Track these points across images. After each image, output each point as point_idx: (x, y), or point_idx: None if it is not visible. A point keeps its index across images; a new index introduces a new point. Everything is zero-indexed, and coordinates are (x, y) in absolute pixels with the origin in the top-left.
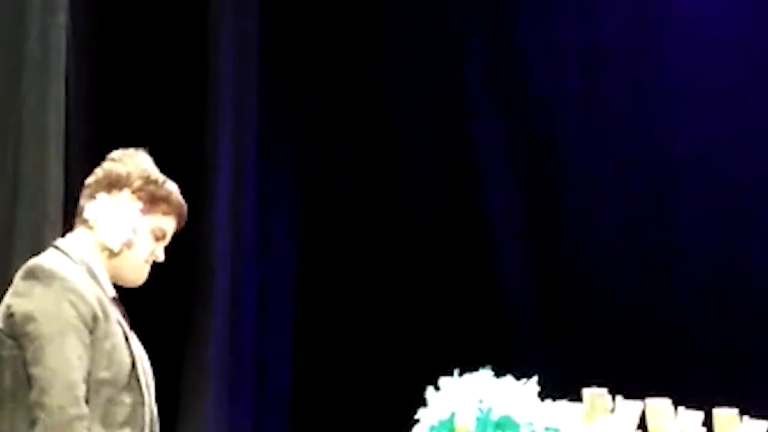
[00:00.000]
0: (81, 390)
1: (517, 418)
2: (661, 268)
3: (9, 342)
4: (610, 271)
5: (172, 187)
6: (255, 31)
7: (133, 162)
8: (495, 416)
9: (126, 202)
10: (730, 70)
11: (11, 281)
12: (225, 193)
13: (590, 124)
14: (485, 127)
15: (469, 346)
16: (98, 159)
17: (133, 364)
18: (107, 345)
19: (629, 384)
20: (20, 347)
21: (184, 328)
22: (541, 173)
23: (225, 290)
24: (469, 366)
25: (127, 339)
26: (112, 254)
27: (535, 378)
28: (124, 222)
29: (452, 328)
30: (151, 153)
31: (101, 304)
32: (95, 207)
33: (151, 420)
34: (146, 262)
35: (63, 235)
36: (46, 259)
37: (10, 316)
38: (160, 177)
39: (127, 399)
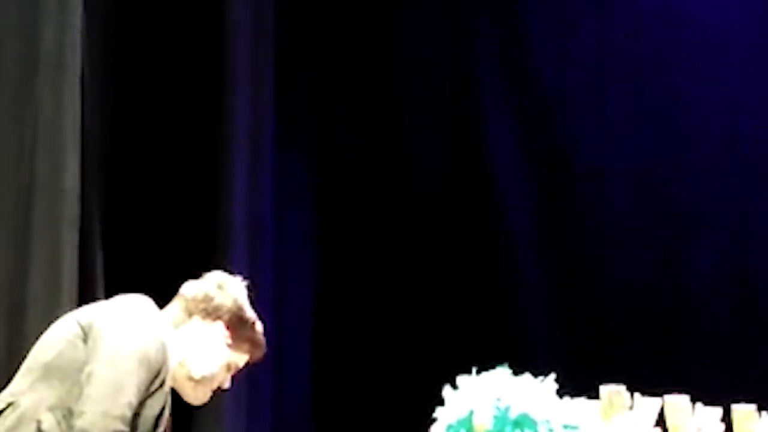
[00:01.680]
0: (130, 413)
1: (535, 415)
2: (678, 263)
3: (79, 332)
4: (627, 267)
5: (259, 328)
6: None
7: (232, 295)
8: (513, 414)
9: (219, 336)
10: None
11: (28, 281)
12: (243, 189)
13: (602, 118)
14: (498, 124)
15: (486, 344)
16: (114, 158)
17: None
18: (149, 404)
19: (647, 381)
20: (86, 341)
21: None
22: (554, 169)
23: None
24: (486, 364)
25: (161, 413)
26: (190, 375)
27: (553, 376)
28: (213, 357)
29: (469, 326)
30: (167, 157)
31: (167, 376)
32: (189, 331)
33: None
34: (212, 390)
35: (80, 233)
36: (157, 309)
37: (98, 320)
38: (252, 316)
39: None
